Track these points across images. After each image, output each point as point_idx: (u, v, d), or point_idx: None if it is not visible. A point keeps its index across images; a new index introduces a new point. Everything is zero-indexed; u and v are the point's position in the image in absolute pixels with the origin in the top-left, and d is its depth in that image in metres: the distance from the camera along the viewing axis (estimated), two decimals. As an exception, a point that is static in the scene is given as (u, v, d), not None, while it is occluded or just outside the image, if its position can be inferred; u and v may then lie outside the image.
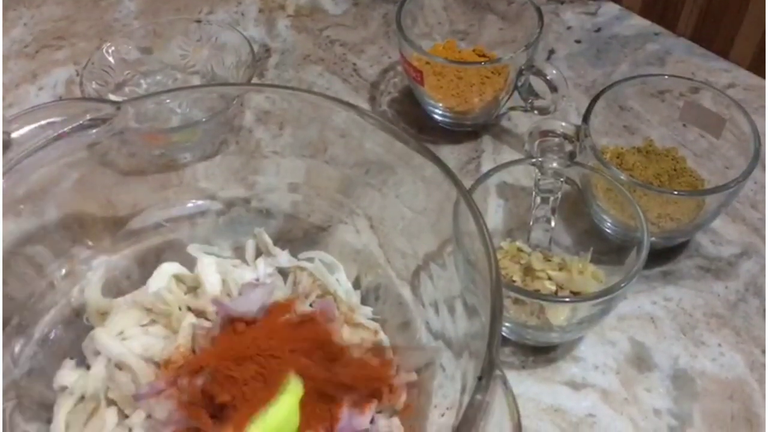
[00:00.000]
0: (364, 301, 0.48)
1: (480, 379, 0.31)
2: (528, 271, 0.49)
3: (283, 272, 0.49)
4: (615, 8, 0.74)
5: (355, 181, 0.49)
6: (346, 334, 0.45)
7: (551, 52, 0.70)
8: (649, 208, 0.50)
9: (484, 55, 0.63)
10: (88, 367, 0.44)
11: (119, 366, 0.43)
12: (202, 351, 0.42)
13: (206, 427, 0.38)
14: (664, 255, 0.53)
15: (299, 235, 0.51)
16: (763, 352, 0.49)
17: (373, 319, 0.46)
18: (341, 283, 0.48)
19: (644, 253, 0.45)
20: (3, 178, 0.40)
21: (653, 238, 0.50)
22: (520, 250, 0.51)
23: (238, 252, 0.50)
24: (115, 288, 0.48)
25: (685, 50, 0.69)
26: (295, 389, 0.39)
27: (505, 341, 0.49)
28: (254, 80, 0.62)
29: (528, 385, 0.47)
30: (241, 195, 0.51)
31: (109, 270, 0.48)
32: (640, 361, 0.49)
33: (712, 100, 0.53)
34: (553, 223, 0.51)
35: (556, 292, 0.48)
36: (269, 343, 0.40)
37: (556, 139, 0.53)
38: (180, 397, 0.40)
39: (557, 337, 0.48)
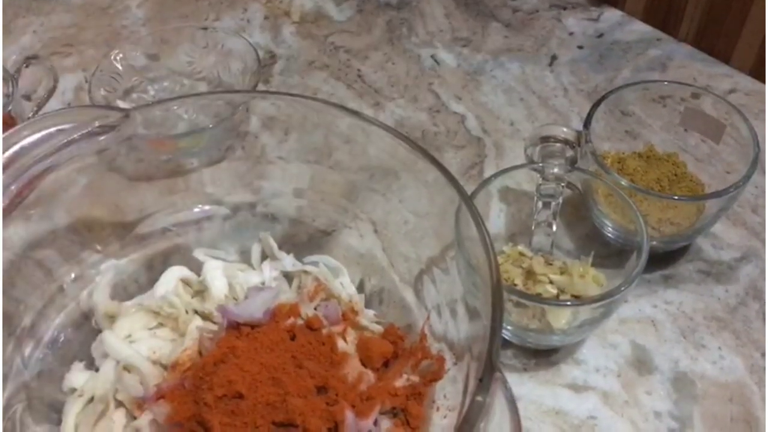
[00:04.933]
0: (367, 305, 0.49)
1: (481, 380, 0.32)
2: (530, 274, 0.49)
3: (288, 276, 0.49)
4: (617, 14, 0.75)
5: (359, 186, 0.49)
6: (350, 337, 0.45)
7: (554, 57, 0.70)
8: (649, 212, 0.50)
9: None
10: (96, 370, 0.44)
11: (127, 368, 0.43)
12: (208, 354, 0.43)
13: (214, 429, 0.39)
14: (665, 259, 0.54)
15: (304, 240, 0.51)
16: (763, 355, 0.49)
17: (377, 322, 0.47)
18: (345, 286, 0.49)
19: (644, 257, 0.45)
20: (13, 185, 0.40)
21: (654, 243, 0.50)
22: (522, 254, 0.51)
23: (244, 256, 0.51)
24: (123, 291, 0.48)
25: (687, 56, 0.70)
26: None
27: (507, 344, 0.49)
28: (260, 86, 0.63)
29: (530, 388, 0.48)
30: (246, 200, 0.52)
31: (117, 274, 0.49)
32: (641, 363, 0.49)
33: (712, 105, 0.54)
34: (554, 228, 0.52)
35: (557, 296, 0.48)
36: (273, 347, 0.41)
37: (558, 145, 0.53)
38: (187, 399, 0.40)
39: (558, 340, 0.48)
